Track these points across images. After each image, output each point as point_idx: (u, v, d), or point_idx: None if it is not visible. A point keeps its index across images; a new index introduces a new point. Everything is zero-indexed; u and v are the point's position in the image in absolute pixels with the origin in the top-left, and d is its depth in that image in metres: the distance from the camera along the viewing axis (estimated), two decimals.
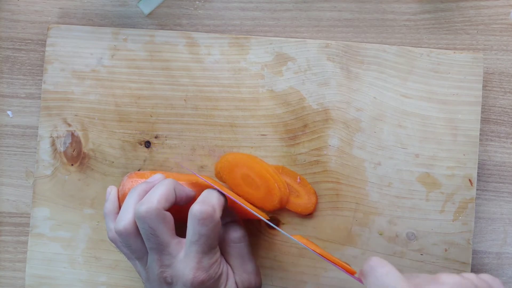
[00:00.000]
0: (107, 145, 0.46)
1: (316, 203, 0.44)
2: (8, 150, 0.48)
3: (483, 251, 0.45)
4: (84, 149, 0.46)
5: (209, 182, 0.39)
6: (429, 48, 0.45)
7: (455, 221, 0.44)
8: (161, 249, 0.36)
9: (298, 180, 0.44)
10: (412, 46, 0.45)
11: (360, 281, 0.35)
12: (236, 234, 0.39)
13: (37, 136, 0.46)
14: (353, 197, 0.44)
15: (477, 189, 0.44)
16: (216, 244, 0.37)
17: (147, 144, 0.45)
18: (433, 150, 0.44)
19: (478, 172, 0.44)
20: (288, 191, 0.43)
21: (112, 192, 0.42)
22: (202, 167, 0.45)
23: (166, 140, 0.45)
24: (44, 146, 0.46)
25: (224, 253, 0.39)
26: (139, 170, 0.45)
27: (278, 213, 0.44)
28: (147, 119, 0.45)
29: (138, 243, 0.37)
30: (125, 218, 0.37)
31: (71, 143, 0.46)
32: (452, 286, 0.31)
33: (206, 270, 0.36)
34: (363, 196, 0.44)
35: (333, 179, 0.44)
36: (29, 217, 0.46)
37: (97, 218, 0.45)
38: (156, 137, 0.45)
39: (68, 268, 0.45)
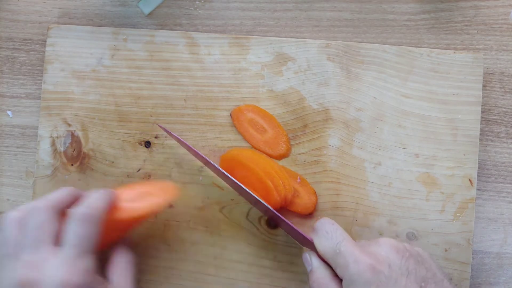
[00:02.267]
0: (107, 145, 0.46)
1: (316, 203, 0.44)
2: (8, 150, 0.48)
3: (483, 251, 0.45)
4: (84, 149, 0.46)
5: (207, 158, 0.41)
6: (429, 48, 0.45)
7: (455, 221, 0.44)
8: (38, 246, 0.35)
9: (298, 180, 0.44)
10: (412, 46, 0.45)
11: (310, 240, 0.38)
12: (121, 257, 0.39)
13: (37, 136, 0.46)
14: (353, 197, 0.44)
15: (477, 189, 0.44)
16: (93, 251, 0.36)
17: (147, 144, 0.45)
18: (433, 150, 0.44)
19: (478, 172, 0.44)
20: (292, 189, 0.43)
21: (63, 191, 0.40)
22: (202, 166, 0.45)
23: (166, 140, 0.45)
24: (44, 146, 0.46)
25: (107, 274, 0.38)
26: (138, 170, 0.45)
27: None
28: (147, 119, 0.45)
29: (15, 236, 0.35)
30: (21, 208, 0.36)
31: (71, 143, 0.46)
32: (389, 246, 0.36)
33: (79, 275, 0.34)
34: (363, 196, 0.44)
35: (333, 179, 0.44)
36: None
37: None
38: (156, 137, 0.45)
39: None
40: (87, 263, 0.35)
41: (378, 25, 0.46)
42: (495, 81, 0.46)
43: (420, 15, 0.46)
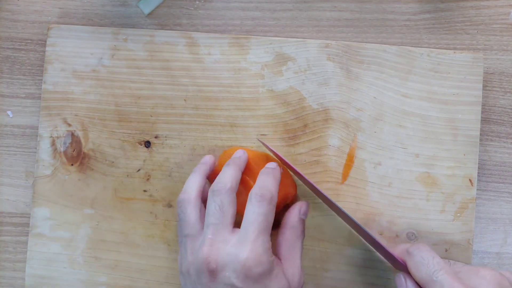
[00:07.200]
0: (107, 145, 0.46)
1: (295, 195, 0.43)
2: (8, 150, 0.48)
3: (483, 251, 0.45)
4: (84, 149, 0.46)
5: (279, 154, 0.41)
6: (429, 48, 0.45)
7: (455, 221, 0.44)
8: (219, 228, 0.36)
9: (281, 170, 0.43)
10: (412, 46, 0.45)
11: (402, 263, 0.37)
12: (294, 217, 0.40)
13: (37, 136, 0.46)
14: (353, 197, 0.44)
15: (477, 189, 0.44)
16: (270, 232, 0.37)
17: (147, 144, 0.45)
18: (433, 150, 0.44)
19: (478, 172, 0.44)
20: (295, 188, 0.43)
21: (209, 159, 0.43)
22: None
23: (166, 140, 0.45)
24: (44, 146, 0.46)
25: (275, 241, 0.39)
26: (138, 170, 0.45)
27: (279, 213, 0.44)
28: (147, 119, 0.45)
29: (194, 216, 0.38)
30: (191, 189, 0.39)
31: (71, 143, 0.46)
32: (490, 281, 0.33)
33: (259, 254, 0.35)
34: (363, 196, 0.44)
35: (333, 179, 0.44)
36: (29, 217, 0.46)
37: (97, 218, 0.45)
38: (156, 137, 0.45)
39: (68, 268, 0.45)
40: (267, 242, 0.36)
41: (378, 25, 0.46)
42: (495, 81, 0.46)
43: (420, 15, 0.46)
